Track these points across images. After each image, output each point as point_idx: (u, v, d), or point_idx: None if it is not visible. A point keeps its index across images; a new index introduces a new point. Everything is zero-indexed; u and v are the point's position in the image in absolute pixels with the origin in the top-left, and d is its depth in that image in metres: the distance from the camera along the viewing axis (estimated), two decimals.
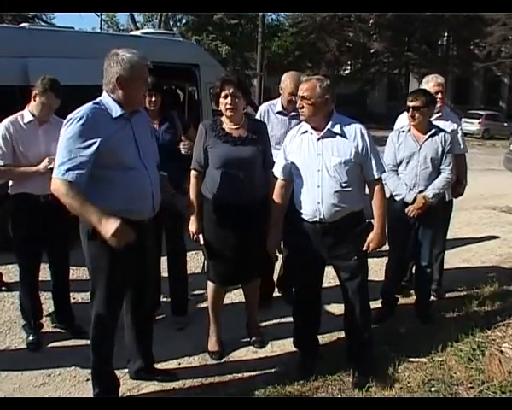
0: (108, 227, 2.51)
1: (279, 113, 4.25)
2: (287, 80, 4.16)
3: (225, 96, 3.38)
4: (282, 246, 3.60)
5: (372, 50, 32.75)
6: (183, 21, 27.28)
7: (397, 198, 4.03)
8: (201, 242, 3.49)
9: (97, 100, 2.78)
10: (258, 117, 4.20)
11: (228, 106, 3.38)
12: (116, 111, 2.75)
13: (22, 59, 5.57)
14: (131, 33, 9.32)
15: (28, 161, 3.56)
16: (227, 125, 3.46)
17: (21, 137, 3.56)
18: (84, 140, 2.61)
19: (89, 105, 2.73)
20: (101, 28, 27.17)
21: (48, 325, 4.04)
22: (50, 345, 3.82)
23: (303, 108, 3.12)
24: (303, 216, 3.22)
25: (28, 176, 3.55)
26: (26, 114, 3.63)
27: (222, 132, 3.43)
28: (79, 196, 2.57)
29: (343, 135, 3.13)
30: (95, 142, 2.62)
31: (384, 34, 31.30)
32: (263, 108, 4.32)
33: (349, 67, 36.11)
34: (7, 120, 3.60)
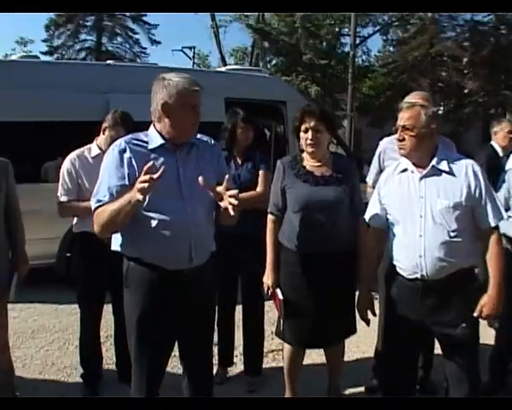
0: (133, 193, 2.17)
1: None
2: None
3: (305, 130, 2.98)
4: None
5: (466, 90, 31.47)
6: (273, 62, 27.59)
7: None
8: (280, 296, 3.03)
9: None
10: (377, 155, 3.70)
11: (308, 141, 2.97)
12: (155, 142, 2.40)
13: (104, 95, 5.56)
14: (217, 69, 9.25)
15: None
16: (308, 162, 3.04)
17: (87, 171, 3.35)
18: (116, 171, 2.36)
19: (128, 136, 2.47)
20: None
21: (109, 376, 3.73)
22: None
23: (403, 140, 2.61)
24: (400, 271, 2.67)
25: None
26: (94, 148, 3.44)
27: (302, 171, 3.01)
28: (103, 210, 2.32)
29: (451, 173, 2.57)
30: (124, 174, 2.36)
31: (478, 72, 30.00)
32: (383, 144, 3.73)
33: (442, 108, 34.87)
34: (73, 154, 3.43)
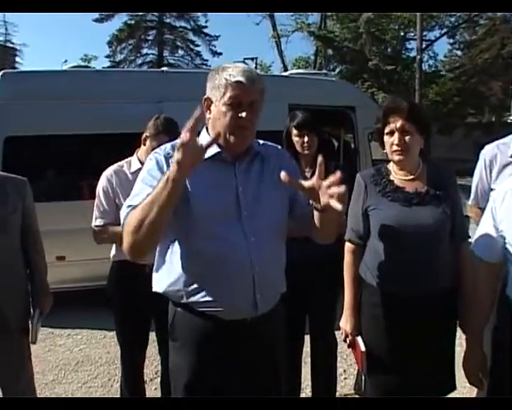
0: (174, 168, 1.62)
1: None
2: None
3: (391, 133, 2.32)
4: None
5: None
6: (337, 70, 26.92)
7: None
8: (362, 348, 2.41)
9: None
10: (481, 167, 2.95)
11: (394, 147, 2.30)
12: (208, 150, 1.80)
13: (158, 104, 5.17)
14: (281, 74, 8.78)
15: None
16: (396, 175, 2.39)
17: (126, 189, 2.76)
18: (156, 177, 1.81)
19: (174, 142, 1.91)
20: None
21: None
22: None
23: None
24: None
25: None
26: (134, 162, 2.94)
27: (390, 186, 2.36)
28: (131, 213, 1.76)
29: None
30: None
31: None
32: (488, 152, 2.97)
33: None
34: (110, 169, 2.93)
